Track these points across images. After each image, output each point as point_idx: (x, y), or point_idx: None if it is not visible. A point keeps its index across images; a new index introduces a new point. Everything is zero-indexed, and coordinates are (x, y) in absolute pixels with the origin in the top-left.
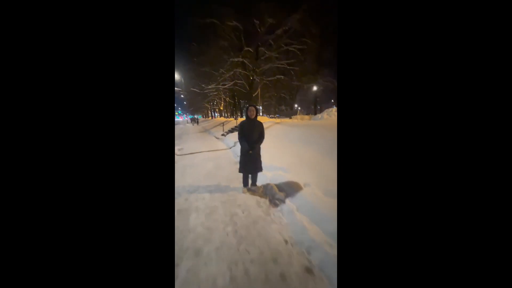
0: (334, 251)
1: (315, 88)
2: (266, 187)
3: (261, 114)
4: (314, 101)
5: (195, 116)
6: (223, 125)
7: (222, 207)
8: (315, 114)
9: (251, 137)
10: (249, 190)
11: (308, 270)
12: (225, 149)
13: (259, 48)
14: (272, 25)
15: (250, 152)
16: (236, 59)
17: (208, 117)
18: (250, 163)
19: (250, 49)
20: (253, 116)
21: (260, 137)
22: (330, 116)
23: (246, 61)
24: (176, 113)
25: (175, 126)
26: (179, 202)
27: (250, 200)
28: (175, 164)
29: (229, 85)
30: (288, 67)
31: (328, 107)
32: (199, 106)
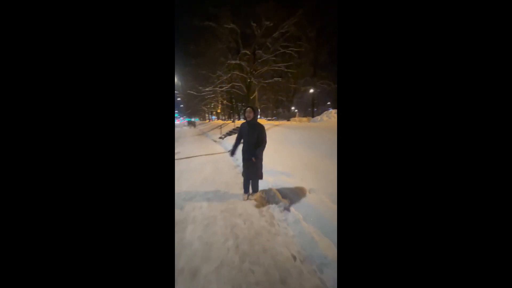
0: None
1: (311, 90)
2: (268, 193)
3: (259, 116)
4: (312, 104)
5: (192, 119)
6: (221, 128)
7: (222, 217)
8: (313, 116)
9: (249, 140)
10: (249, 197)
11: None
12: (223, 152)
13: (256, 50)
14: (269, 28)
15: (254, 160)
16: (233, 61)
17: (206, 120)
18: (249, 168)
19: (247, 52)
20: (250, 118)
21: (260, 141)
22: (329, 118)
23: (243, 64)
24: None
25: None
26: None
27: (252, 208)
28: None
29: (226, 87)
30: (285, 70)
31: (324, 109)
32: (196, 109)
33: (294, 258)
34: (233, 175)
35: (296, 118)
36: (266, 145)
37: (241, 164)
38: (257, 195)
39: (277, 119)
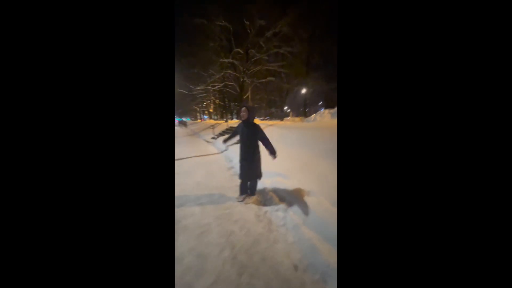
0: None
1: (304, 90)
2: (264, 196)
3: None
4: (304, 104)
5: (183, 119)
6: (213, 128)
7: (216, 225)
8: (305, 116)
9: (245, 141)
10: (245, 201)
11: None
12: (217, 153)
13: (249, 49)
14: (262, 27)
15: (275, 157)
16: (226, 60)
17: (197, 119)
18: (247, 169)
19: (240, 51)
20: (245, 118)
21: (262, 139)
22: (322, 118)
23: (236, 63)
24: None
25: None
26: None
27: (248, 213)
28: None
29: (218, 86)
30: (278, 70)
31: (316, 109)
32: (188, 108)
33: (296, 267)
34: (227, 178)
35: (290, 118)
36: (260, 146)
37: (235, 165)
38: (253, 198)
39: (270, 119)
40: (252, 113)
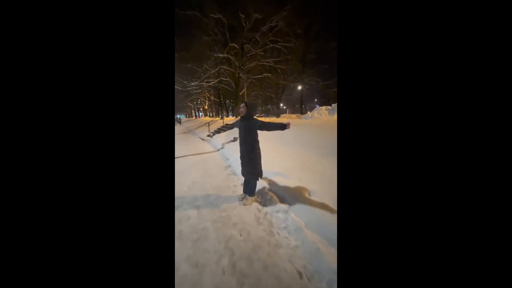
0: None
1: (300, 87)
2: (264, 197)
3: None
4: (300, 100)
5: (178, 116)
6: (209, 125)
7: (214, 229)
8: (302, 113)
9: (244, 138)
10: (244, 203)
11: None
12: (212, 151)
13: (244, 44)
14: (257, 21)
15: (289, 126)
16: (221, 55)
17: (192, 116)
18: (246, 166)
19: (235, 45)
20: (243, 114)
21: (268, 126)
22: (320, 115)
23: (231, 58)
24: None
25: None
26: None
27: (248, 215)
28: None
29: (213, 82)
30: (274, 65)
31: (311, 106)
32: (182, 105)
33: (300, 275)
34: (225, 177)
35: (286, 115)
36: (259, 143)
37: (232, 164)
38: (251, 199)
39: (266, 116)
40: (251, 109)
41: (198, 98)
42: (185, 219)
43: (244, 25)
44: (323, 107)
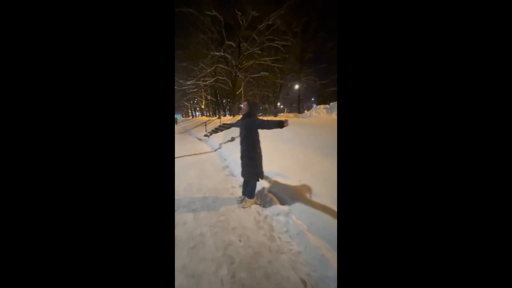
0: None
1: (297, 86)
2: (263, 199)
3: None
4: (298, 99)
5: (174, 115)
6: (206, 125)
7: (211, 235)
8: (299, 112)
9: (244, 136)
10: (243, 205)
11: None
12: (210, 152)
13: (241, 43)
14: (254, 19)
15: (287, 124)
16: (218, 53)
17: (189, 116)
18: (245, 165)
19: (232, 44)
20: (244, 112)
21: (260, 125)
22: (318, 113)
23: (228, 57)
24: None
25: None
26: None
27: (247, 219)
28: None
29: (210, 81)
30: (271, 64)
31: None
32: (178, 105)
33: (305, 283)
34: (222, 178)
35: (284, 114)
36: (260, 143)
37: (230, 164)
38: (251, 202)
39: (264, 115)
40: (252, 108)
41: (195, 98)
42: (180, 224)
43: (241, 23)
44: (321, 106)
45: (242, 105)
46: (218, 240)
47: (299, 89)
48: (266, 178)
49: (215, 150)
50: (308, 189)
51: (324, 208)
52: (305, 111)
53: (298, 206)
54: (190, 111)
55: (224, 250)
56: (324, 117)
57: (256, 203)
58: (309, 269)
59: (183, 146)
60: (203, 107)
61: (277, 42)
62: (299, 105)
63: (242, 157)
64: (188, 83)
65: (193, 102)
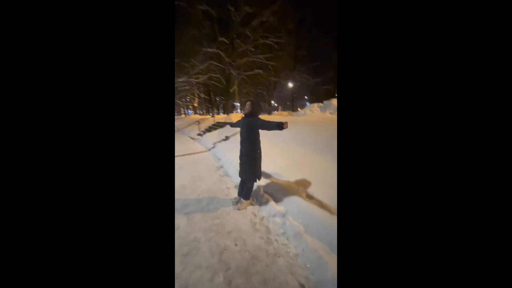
0: None
1: (291, 84)
2: (259, 200)
3: (238, 110)
4: (292, 98)
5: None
6: (199, 123)
7: (206, 240)
8: (293, 110)
9: (245, 136)
10: (238, 207)
11: None
12: (203, 151)
13: (234, 39)
14: (248, 15)
15: (286, 126)
16: (210, 50)
17: (181, 114)
18: (244, 165)
19: (225, 40)
20: (247, 111)
21: (262, 125)
22: (312, 112)
23: (221, 53)
24: None
25: None
26: None
27: (243, 221)
28: None
29: (203, 78)
30: (265, 62)
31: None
32: None
33: (303, 287)
34: (217, 179)
35: (278, 112)
36: (260, 143)
37: (225, 164)
38: (246, 203)
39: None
40: (256, 107)
41: (187, 95)
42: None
43: (234, 19)
44: (315, 104)
45: (237, 103)
46: (213, 245)
47: (293, 87)
48: (263, 177)
49: (209, 150)
50: (305, 188)
51: (321, 208)
52: (299, 109)
53: (294, 207)
54: (182, 109)
55: (219, 256)
56: (318, 115)
57: (251, 205)
58: (307, 272)
59: (176, 145)
60: (195, 105)
61: (271, 39)
62: (292, 103)
63: (241, 156)
64: (180, 80)
65: (185, 100)
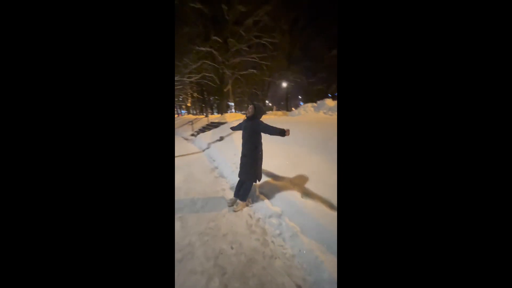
0: None
1: (285, 84)
2: (255, 200)
3: (232, 110)
4: (286, 98)
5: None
6: (192, 123)
7: (201, 244)
8: (287, 110)
9: (246, 139)
10: (234, 209)
11: None
12: (197, 152)
13: (228, 39)
14: (242, 14)
15: (288, 133)
16: (203, 49)
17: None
18: (245, 165)
19: (219, 39)
20: (249, 114)
21: (264, 129)
22: (306, 112)
23: (215, 52)
24: None
25: None
26: None
27: (239, 223)
28: None
29: (196, 78)
30: (259, 61)
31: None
32: None
33: None
34: (212, 180)
35: (272, 112)
36: (262, 145)
37: (220, 165)
38: (242, 205)
39: None
40: (258, 111)
41: (180, 95)
42: None
43: (227, 17)
44: (309, 104)
45: (231, 103)
46: (208, 249)
47: (287, 87)
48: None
49: (203, 150)
50: (300, 188)
51: (316, 209)
52: (293, 109)
53: (290, 207)
54: (175, 109)
55: (215, 260)
56: (312, 115)
57: (247, 206)
58: (304, 273)
59: None
60: (189, 104)
61: (265, 39)
62: (287, 103)
63: (242, 157)
64: None
65: (178, 99)
